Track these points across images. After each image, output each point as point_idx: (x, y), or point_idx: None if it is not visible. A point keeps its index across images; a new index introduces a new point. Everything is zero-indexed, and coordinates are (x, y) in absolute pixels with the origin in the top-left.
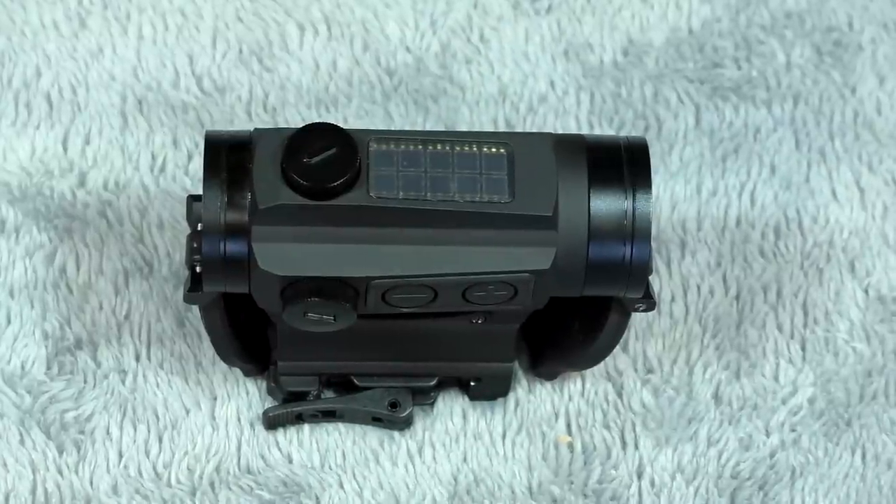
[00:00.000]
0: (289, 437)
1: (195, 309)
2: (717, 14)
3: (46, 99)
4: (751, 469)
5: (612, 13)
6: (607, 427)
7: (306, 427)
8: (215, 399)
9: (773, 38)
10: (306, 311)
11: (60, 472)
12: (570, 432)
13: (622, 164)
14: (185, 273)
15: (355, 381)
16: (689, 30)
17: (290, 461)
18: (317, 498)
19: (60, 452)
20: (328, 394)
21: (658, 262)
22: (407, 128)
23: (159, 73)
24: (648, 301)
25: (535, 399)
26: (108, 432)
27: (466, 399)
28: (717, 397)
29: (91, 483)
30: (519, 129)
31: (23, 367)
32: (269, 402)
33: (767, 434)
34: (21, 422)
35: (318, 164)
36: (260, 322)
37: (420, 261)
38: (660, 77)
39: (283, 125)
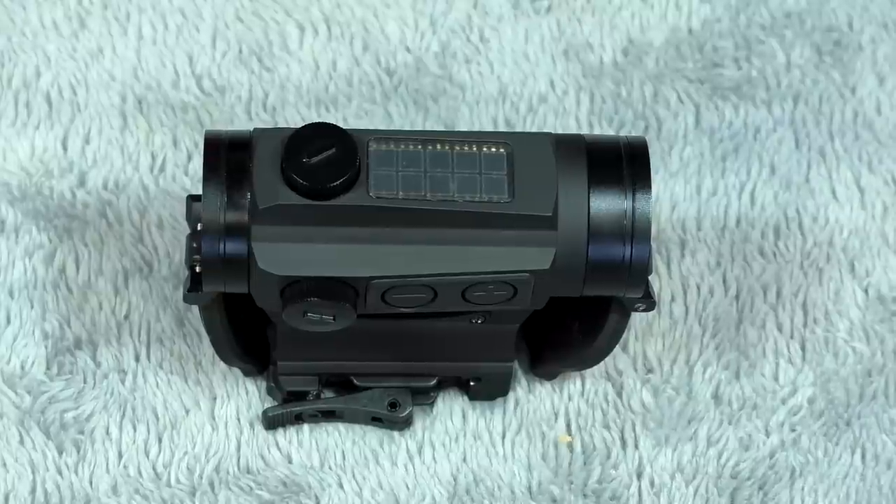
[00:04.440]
0: (288, 437)
1: (195, 309)
2: (717, 14)
3: (46, 99)
4: (750, 469)
5: (612, 13)
6: (607, 427)
7: (306, 427)
8: (215, 399)
9: (772, 38)
10: (306, 311)
11: (60, 473)
12: (569, 432)
13: (622, 163)
14: (185, 273)
15: (355, 381)
16: (689, 30)
17: (290, 461)
18: (316, 498)
19: (60, 452)
20: (328, 394)
21: (658, 262)
22: (407, 128)
23: (159, 73)
24: (648, 301)
25: (534, 399)
26: (107, 432)
27: (466, 399)
28: (716, 397)
29: (91, 483)
30: (519, 129)
31: (22, 367)
32: (269, 402)
33: (767, 434)
34: (21, 422)
35: (317, 164)
36: (260, 322)
37: (420, 261)
38: (660, 77)
39: (282, 125)
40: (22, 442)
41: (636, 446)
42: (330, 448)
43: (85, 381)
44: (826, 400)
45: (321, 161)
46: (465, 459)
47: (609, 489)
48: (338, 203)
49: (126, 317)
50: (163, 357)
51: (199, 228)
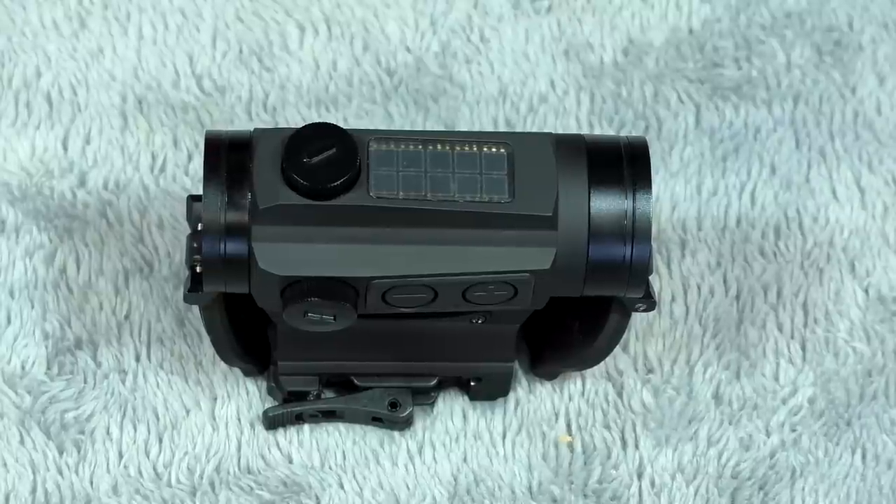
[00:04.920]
0: (289, 437)
1: (195, 309)
2: (717, 14)
3: (46, 99)
4: (751, 469)
5: (612, 13)
6: (607, 427)
7: (306, 427)
8: (215, 399)
9: (773, 38)
10: (306, 311)
11: (60, 473)
12: (570, 432)
13: (622, 163)
14: (186, 273)
15: (355, 381)
16: (690, 30)
17: (291, 461)
18: (317, 498)
19: (60, 452)
20: (328, 394)
21: (658, 262)
22: (407, 128)
23: (159, 73)
24: (649, 301)
25: (535, 399)
26: (108, 432)
27: (466, 399)
28: (717, 397)
29: (91, 483)
30: (519, 129)
31: (23, 367)
32: (270, 402)
33: (767, 434)
34: (21, 422)
35: (318, 164)
36: (260, 322)
37: (420, 261)
38: (660, 77)
39: (283, 125)
40: (22, 442)
41: (637, 446)
42: (330, 448)
43: (85, 381)
44: (826, 400)
45: (321, 161)
46: (465, 459)
47: (609, 489)
48: (338, 203)
49: (126, 317)
50: (163, 357)
51: (199, 228)
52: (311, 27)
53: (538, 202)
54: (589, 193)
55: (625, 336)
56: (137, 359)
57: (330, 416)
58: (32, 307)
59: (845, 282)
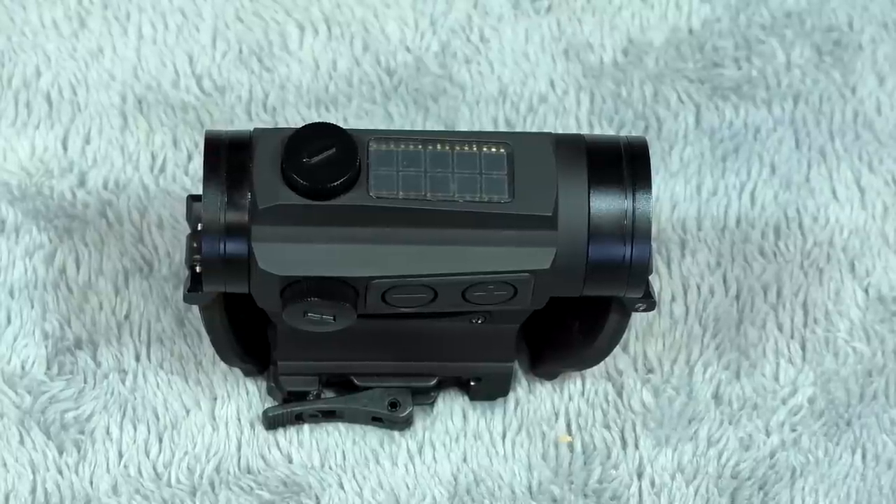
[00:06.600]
0: (289, 437)
1: (195, 309)
2: (717, 14)
3: (46, 99)
4: (751, 469)
5: (612, 13)
6: (607, 427)
7: (306, 427)
8: (215, 399)
9: (773, 38)
10: (306, 311)
11: (60, 472)
12: (570, 432)
13: (622, 163)
14: (185, 273)
15: (355, 381)
16: (689, 30)
17: (290, 461)
18: (317, 498)
19: (60, 452)
20: (328, 394)
21: (658, 262)
22: (407, 128)
23: (159, 73)
24: (648, 301)
25: (535, 399)
26: (108, 432)
27: (466, 399)
28: (717, 397)
29: (91, 483)
30: (519, 129)
31: (23, 367)
32: (269, 402)
33: (767, 434)
34: (21, 422)
35: (317, 164)
36: (260, 322)
37: (420, 261)
38: (660, 77)
39: (283, 125)
40: (22, 442)
41: (636, 446)
42: (330, 448)
43: (85, 381)
44: (826, 400)
45: (321, 161)
46: (465, 459)
47: (609, 489)
48: (338, 203)
49: (126, 317)
50: (163, 357)
51: (199, 228)
52: (311, 27)
53: (538, 202)
54: (589, 193)
55: (625, 336)
56: (137, 359)
57: (330, 416)
58: (32, 307)
59: (845, 282)
